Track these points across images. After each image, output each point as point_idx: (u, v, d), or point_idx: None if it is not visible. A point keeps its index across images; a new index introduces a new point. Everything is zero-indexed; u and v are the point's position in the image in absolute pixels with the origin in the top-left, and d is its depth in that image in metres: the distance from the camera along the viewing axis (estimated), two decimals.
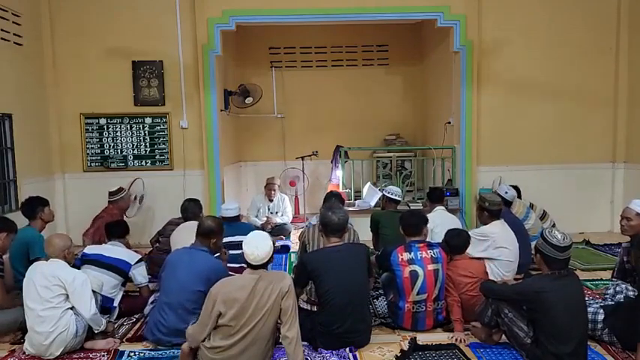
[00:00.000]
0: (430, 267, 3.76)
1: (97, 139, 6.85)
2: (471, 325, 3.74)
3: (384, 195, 5.35)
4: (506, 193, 5.30)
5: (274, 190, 7.11)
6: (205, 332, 3.05)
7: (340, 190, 7.07)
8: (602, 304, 3.65)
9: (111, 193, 5.77)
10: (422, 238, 3.97)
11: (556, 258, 3.15)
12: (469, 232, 4.30)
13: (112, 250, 4.15)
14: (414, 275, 3.72)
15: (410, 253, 3.79)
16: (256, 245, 3.04)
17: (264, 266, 3.10)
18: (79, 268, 3.88)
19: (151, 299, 4.05)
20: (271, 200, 7.10)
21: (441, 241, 4.31)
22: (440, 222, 4.85)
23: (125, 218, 5.96)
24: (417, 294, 3.73)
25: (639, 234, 3.85)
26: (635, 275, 3.76)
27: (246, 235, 4.55)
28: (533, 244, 4.57)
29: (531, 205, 5.81)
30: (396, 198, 5.25)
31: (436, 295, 3.78)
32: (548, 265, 3.19)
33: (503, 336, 3.51)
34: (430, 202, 5.44)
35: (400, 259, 3.77)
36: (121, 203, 5.80)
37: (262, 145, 9.12)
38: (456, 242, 4.06)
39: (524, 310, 3.30)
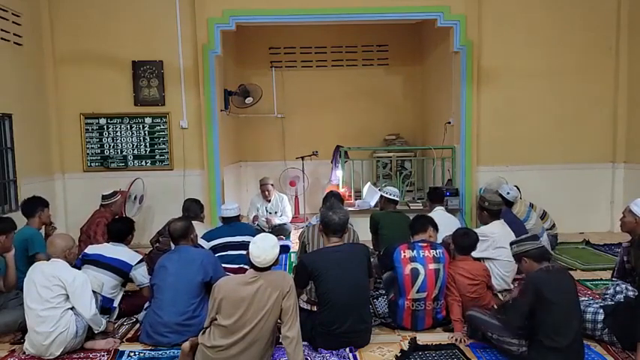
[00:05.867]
0: (431, 266, 3.76)
1: (97, 139, 6.85)
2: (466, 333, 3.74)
3: (382, 196, 5.35)
4: (508, 193, 5.30)
5: (268, 191, 7.07)
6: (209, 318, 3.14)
7: (340, 190, 7.06)
8: (602, 304, 3.64)
9: (105, 197, 5.58)
10: (426, 237, 3.98)
11: (536, 247, 3.27)
12: None
13: (113, 250, 4.13)
14: (414, 273, 3.73)
15: (412, 251, 3.80)
16: (265, 251, 3.05)
17: (268, 268, 3.10)
18: (79, 269, 3.88)
19: (145, 305, 4.03)
20: (268, 200, 7.09)
21: (441, 241, 4.31)
22: (439, 222, 4.84)
23: None
24: (417, 292, 3.73)
25: (638, 233, 3.85)
26: (635, 275, 3.76)
27: (245, 235, 4.62)
28: None
29: (531, 205, 5.81)
30: (394, 198, 5.24)
31: (436, 294, 3.78)
32: (537, 259, 3.24)
33: None
34: (430, 202, 5.44)
35: (402, 256, 3.78)
36: (114, 207, 5.62)
37: (262, 145, 9.13)
38: (463, 242, 4.04)
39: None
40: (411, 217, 4.47)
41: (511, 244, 3.39)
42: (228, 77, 7.89)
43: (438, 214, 5.06)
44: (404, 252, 3.80)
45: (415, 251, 3.80)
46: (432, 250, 3.83)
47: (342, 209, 3.89)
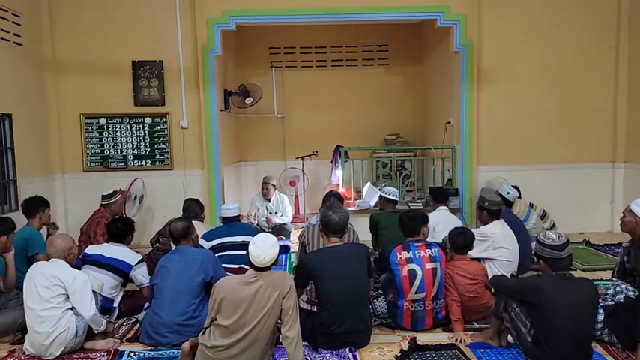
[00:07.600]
0: (428, 265, 3.77)
1: (97, 139, 6.85)
2: (471, 334, 3.73)
3: (381, 196, 5.34)
4: (508, 193, 5.29)
5: (268, 190, 7.08)
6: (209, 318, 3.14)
7: (340, 190, 7.05)
8: (602, 304, 3.64)
9: (105, 197, 5.59)
10: (420, 237, 3.98)
11: (557, 258, 3.16)
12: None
13: (113, 249, 4.14)
14: (412, 274, 3.73)
15: (408, 252, 3.80)
16: (264, 250, 3.05)
17: (267, 268, 3.10)
18: (79, 269, 3.88)
19: (145, 305, 4.03)
20: (268, 200, 7.09)
21: (441, 240, 4.31)
22: (442, 221, 4.85)
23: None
24: (416, 292, 3.73)
25: (638, 233, 3.85)
26: (635, 275, 3.76)
27: (245, 235, 4.62)
28: (534, 244, 4.58)
29: (531, 205, 5.81)
30: (394, 198, 5.22)
31: (434, 293, 3.79)
32: (552, 268, 3.19)
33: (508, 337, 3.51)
34: (434, 202, 5.41)
35: (399, 258, 3.78)
36: (114, 207, 5.63)
37: (262, 145, 9.12)
38: (458, 240, 4.04)
39: (525, 305, 3.26)
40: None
41: (538, 241, 3.28)
42: (228, 77, 7.90)
43: (441, 214, 5.06)
44: (399, 254, 3.80)
45: (411, 252, 3.80)
46: (427, 249, 3.83)
47: (342, 209, 3.88)
